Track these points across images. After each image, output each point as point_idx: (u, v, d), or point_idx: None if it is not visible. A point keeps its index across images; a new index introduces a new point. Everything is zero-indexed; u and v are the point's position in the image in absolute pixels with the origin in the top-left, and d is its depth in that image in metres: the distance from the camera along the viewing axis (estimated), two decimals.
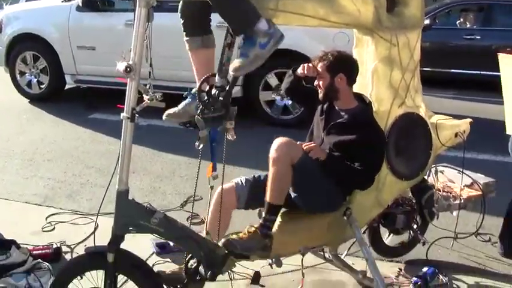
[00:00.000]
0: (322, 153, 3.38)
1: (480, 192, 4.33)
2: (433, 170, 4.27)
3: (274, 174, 3.26)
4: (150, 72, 2.92)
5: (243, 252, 3.22)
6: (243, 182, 3.57)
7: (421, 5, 3.84)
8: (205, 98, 3.00)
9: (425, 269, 4.10)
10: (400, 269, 4.27)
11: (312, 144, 3.39)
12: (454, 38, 11.27)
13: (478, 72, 10.50)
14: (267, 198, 3.29)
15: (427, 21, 10.81)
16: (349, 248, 4.20)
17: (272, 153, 3.27)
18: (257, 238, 3.25)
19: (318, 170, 3.37)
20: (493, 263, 4.46)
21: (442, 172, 4.40)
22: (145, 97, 2.88)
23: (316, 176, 3.37)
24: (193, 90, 3.12)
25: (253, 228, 3.28)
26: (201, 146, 3.07)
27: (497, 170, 5.09)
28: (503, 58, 4.51)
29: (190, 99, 3.12)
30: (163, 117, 3.08)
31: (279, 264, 3.38)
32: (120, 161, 2.89)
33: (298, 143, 3.39)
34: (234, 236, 3.24)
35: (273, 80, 7.87)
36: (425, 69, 10.53)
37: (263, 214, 3.33)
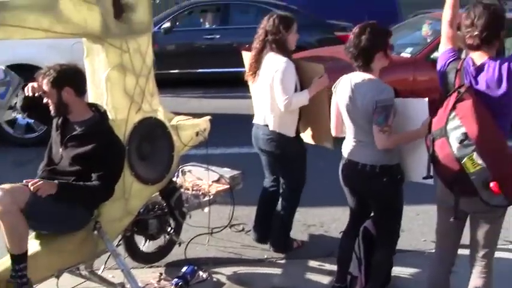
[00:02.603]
0: (51, 187, 3.25)
1: (228, 186, 4.51)
2: (180, 170, 4.35)
3: (7, 228, 3.09)
4: None
5: None
6: None
7: (149, 9, 3.86)
8: None
9: (184, 269, 4.18)
10: (161, 273, 4.29)
11: (39, 183, 3.23)
12: (196, 38, 11.54)
13: (222, 69, 10.83)
14: (10, 250, 3.13)
15: (167, 24, 11.01)
16: (106, 262, 4.10)
17: None
18: None
19: (53, 201, 3.25)
20: (248, 250, 4.70)
21: (189, 171, 4.50)
22: None
23: (52, 208, 3.26)
24: None
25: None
26: None
27: (244, 162, 5.33)
28: (245, 55, 4.72)
29: None
30: None
31: None
32: None
33: (24, 181, 3.24)
34: None
35: (11, 98, 7.36)
36: (172, 71, 10.87)
37: (11, 265, 3.12)
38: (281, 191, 4.55)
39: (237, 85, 4.93)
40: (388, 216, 3.80)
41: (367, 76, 3.57)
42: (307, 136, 4.51)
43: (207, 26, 11.88)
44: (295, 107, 4.17)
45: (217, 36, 11.41)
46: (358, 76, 3.60)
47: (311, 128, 4.46)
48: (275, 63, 4.16)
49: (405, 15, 14.38)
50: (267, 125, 4.33)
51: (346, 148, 3.76)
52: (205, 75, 11.33)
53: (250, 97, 4.73)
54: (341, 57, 8.40)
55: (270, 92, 4.21)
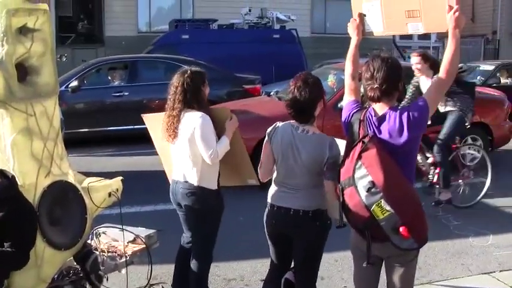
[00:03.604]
0: None
1: (144, 245, 4.44)
2: (94, 232, 4.25)
3: None
4: None
5: None
6: None
7: (54, 71, 3.81)
8: None
9: None
10: None
11: None
12: (105, 96, 11.43)
13: (133, 126, 10.49)
14: None
15: (75, 83, 10.83)
16: None
17: None
18: None
19: None
20: None
21: (104, 233, 4.39)
22: None
23: None
24: None
25: None
26: None
27: (160, 219, 5.27)
28: (146, 118, 4.72)
29: None
30: None
31: None
32: None
33: None
34: None
35: None
36: (82, 130, 10.66)
37: None
38: (194, 246, 4.52)
39: (148, 142, 4.89)
40: (312, 260, 3.85)
41: (310, 129, 3.67)
42: (230, 180, 4.54)
43: (116, 83, 11.77)
44: (221, 156, 4.18)
45: (126, 93, 11.35)
46: (299, 128, 3.68)
47: (232, 171, 4.49)
48: (192, 120, 4.15)
49: (311, 66, 14.85)
50: (187, 181, 4.30)
51: (275, 195, 3.80)
52: (116, 132, 11.18)
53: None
54: (251, 109, 8.61)
55: (189, 148, 4.19)
